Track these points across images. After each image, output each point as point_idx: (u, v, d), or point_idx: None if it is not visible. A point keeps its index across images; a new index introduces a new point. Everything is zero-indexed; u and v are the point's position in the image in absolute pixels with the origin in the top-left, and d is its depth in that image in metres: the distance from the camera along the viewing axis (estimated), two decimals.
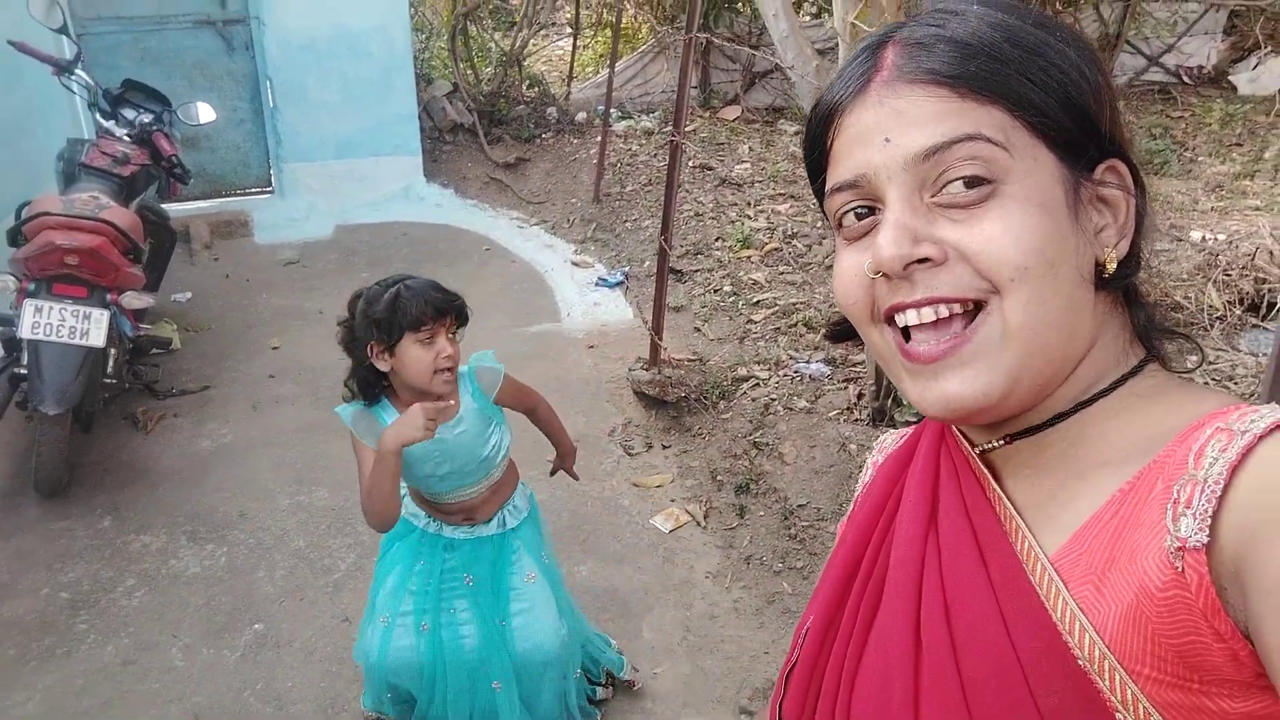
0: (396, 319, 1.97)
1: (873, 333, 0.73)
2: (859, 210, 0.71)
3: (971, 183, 0.65)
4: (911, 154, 0.66)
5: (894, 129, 0.67)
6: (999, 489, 0.72)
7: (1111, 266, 0.68)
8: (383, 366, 2.03)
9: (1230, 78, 8.45)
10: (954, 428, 0.78)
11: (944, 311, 0.67)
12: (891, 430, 0.97)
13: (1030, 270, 0.64)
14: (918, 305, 0.68)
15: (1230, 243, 4.81)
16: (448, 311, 2.02)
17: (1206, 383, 3.67)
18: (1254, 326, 4.31)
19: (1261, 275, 4.51)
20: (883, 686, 0.72)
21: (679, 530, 3.44)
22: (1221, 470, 0.55)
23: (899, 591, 0.74)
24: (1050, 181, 0.66)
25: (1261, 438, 0.56)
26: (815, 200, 0.76)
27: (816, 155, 0.75)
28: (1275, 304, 4.42)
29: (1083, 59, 0.68)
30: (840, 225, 0.73)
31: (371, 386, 2.10)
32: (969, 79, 0.65)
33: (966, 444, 0.76)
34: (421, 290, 2.00)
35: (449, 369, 2.03)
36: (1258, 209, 5.70)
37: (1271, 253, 4.65)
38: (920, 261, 0.67)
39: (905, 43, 0.69)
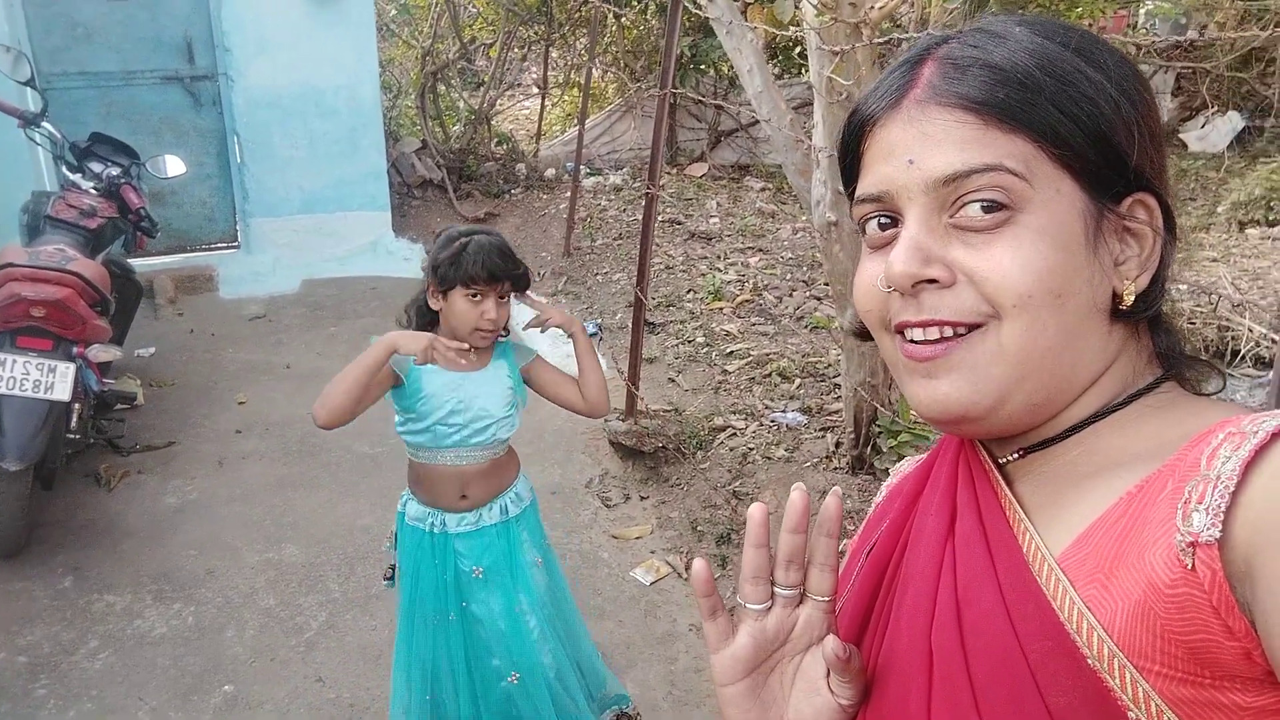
0: (453, 270, 2.07)
1: (884, 338, 0.75)
2: (882, 220, 0.73)
3: (989, 207, 0.66)
4: (932, 179, 0.67)
5: (918, 151, 0.68)
6: (1010, 494, 0.73)
7: (1129, 299, 0.69)
8: (434, 304, 2.15)
9: (1180, 135, 8.73)
10: (973, 440, 0.78)
11: (948, 333, 0.69)
12: (908, 458, 0.97)
13: (1033, 299, 0.65)
14: (921, 325, 0.69)
15: (1192, 293, 4.92)
16: (502, 279, 2.09)
17: None
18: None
19: (1225, 324, 4.61)
20: (900, 690, 0.72)
21: (660, 582, 3.38)
22: (1235, 467, 0.55)
23: (914, 598, 0.73)
24: (1069, 213, 0.66)
25: (1275, 435, 0.56)
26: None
27: (849, 162, 0.77)
28: (1239, 351, 4.52)
29: (1121, 90, 0.67)
30: (864, 231, 0.75)
31: (423, 318, 2.21)
32: (997, 107, 0.66)
33: (985, 455, 0.77)
34: (485, 250, 2.07)
35: (487, 331, 2.11)
36: (1215, 260, 5.84)
37: (1233, 302, 4.76)
38: (930, 282, 0.68)
39: (943, 61, 0.69)
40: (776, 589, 0.74)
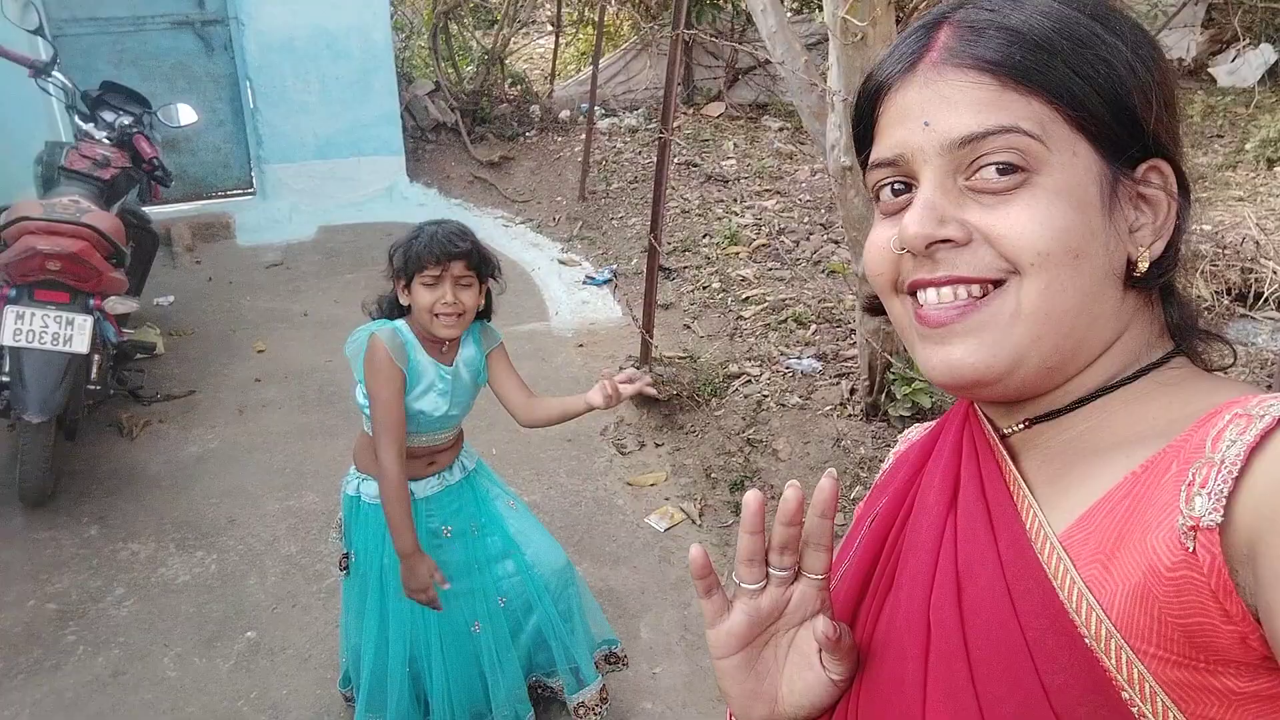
0: (406, 260, 2.08)
1: (894, 303, 0.75)
2: (896, 186, 0.72)
3: (1005, 170, 0.66)
4: (948, 140, 0.67)
5: (935, 113, 0.68)
6: (1015, 469, 0.73)
7: (1143, 266, 0.68)
8: (402, 300, 2.14)
9: (1210, 70, 8.51)
10: (978, 411, 0.79)
11: (963, 294, 0.68)
12: (917, 425, 0.97)
13: (1051, 257, 0.65)
14: (938, 284, 0.69)
15: (1216, 233, 4.84)
16: (452, 258, 2.06)
17: None
18: (1242, 316, 4.33)
19: (1248, 265, 4.54)
20: (896, 662, 0.72)
21: (674, 529, 3.41)
22: (1239, 452, 0.55)
23: (914, 570, 0.74)
24: (1085, 176, 0.66)
25: None
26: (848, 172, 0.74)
27: (863, 128, 0.76)
28: (1262, 294, 4.45)
29: (1137, 55, 0.67)
30: (878, 198, 0.75)
31: (393, 310, 2.21)
32: (1013, 68, 0.66)
33: (990, 427, 0.77)
34: (436, 236, 2.06)
35: (448, 314, 2.09)
36: (1241, 199, 5.73)
37: (1258, 243, 4.68)
38: (944, 242, 0.68)
39: (960, 25, 0.69)
40: (770, 570, 0.75)
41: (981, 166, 0.66)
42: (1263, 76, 8.08)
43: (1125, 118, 0.66)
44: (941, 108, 0.67)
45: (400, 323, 2.17)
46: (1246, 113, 7.33)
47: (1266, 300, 4.45)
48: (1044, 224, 0.65)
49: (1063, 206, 0.65)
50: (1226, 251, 4.63)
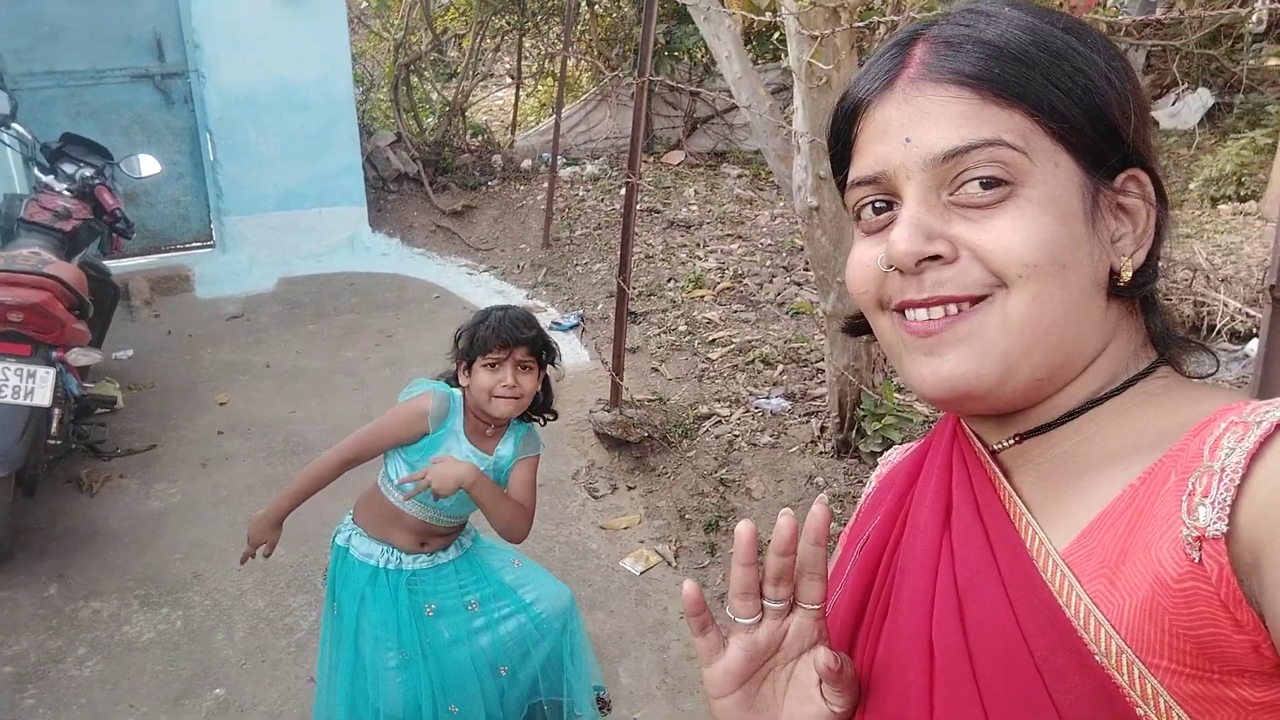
0: (471, 343, 2.11)
1: (881, 320, 0.74)
2: (877, 204, 0.72)
3: (989, 184, 0.65)
4: (931, 155, 0.67)
5: (915, 129, 0.67)
6: (1009, 487, 0.72)
7: (1127, 275, 0.69)
8: (461, 380, 2.17)
9: (1151, 113, 8.77)
10: (966, 429, 0.78)
11: (952, 310, 0.68)
12: (896, 448, 0.97)
13: (1038, 268, 0.65)
14: (926, 304, 0.68)
15: (1166, 268, 4.96)
16: (516, 344, 2.09)
17: None
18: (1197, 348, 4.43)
19: (1200, 298, 4.66)
20: (900, 689, 0.71)
21: (650, 571, 3.39)
22: (1240, 459, 0.55)
23: (912, 592, 0.73)
24: (1068, 187, 0.66)
25: (1279, 427, 0.55)
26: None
27: (840, 147, 0.75)
28: (1215, 326, 4.57)
29: (1111, 67, 0.68)
30: (859, 218, 0.74)
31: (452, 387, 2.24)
32: (993, 82, 0.66)
33: (979, 444, 0.76)
34: (504, 322, 2.10)
35: (508, 398, 2.10)
36: (1189, 236, 5.89)
37: (1208, 277, 4.81)
38: (932, 258, 0.67)
39: (935, 40, 0.69)
40: (766, 602, 0.73)
41: (965, 181, 0.66)
42: (1202, 119, 8.35)
43: (1104, 128, 0.67)
44: (922, 123, 0.67)
45: (459, 394, 2.20)
46: (1189, 153, 7.57)
47: (1219, 332, 4.57)
48: (1030, 236, 0.65)
49: (1047, 218, 0.65)
50: (1178, 285, 4.75)
